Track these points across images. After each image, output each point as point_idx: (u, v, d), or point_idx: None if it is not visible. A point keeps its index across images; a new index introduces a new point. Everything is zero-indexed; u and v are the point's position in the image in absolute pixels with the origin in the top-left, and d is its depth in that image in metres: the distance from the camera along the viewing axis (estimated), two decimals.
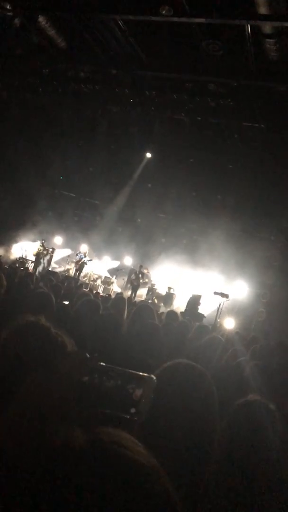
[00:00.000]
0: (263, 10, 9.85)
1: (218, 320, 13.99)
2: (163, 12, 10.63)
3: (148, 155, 19.62)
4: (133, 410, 1.15)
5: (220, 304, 14.17)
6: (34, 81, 16.90)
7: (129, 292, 18.50)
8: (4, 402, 1.14)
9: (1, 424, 1.08)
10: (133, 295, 18.13)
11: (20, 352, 1.57)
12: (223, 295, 14.01)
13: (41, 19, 13.26)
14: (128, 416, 1.14)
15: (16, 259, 19.17)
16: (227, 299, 14.19)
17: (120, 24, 12.56)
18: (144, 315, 4.30)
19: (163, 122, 16.39)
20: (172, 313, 6.34)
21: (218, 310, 14.30)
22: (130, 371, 1.21)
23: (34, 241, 20.65)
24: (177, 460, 1.51)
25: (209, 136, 16.24)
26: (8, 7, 13.01)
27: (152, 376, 1.21)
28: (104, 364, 1.21)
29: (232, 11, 10.27)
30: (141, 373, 1.21)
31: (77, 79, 15.91)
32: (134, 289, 18.44)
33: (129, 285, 19.54)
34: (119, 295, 8.57)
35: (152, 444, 0.77)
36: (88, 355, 1.19)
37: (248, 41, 11.11)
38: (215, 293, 14.18)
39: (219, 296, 14.08)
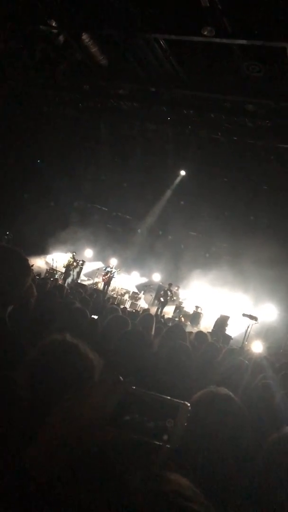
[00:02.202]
0: None
1: (246, 343, 13.72)
2: (205, 33, 10.69)
3: (182, 172, 19.64)
4: (165, 437, 1.12)
5: (248, 327, 13.91)
6: (74, 96, 17.24)
7: (156, 309, 18.42)
8: (35, 429, 1.11)
9: (33, 454, 1.05)
10: (160, 311, 18.04)
11: (49, 374, 1.54)
12: (252, 317, 13.76)
13: (84, 36, 13.55)
14: (160, 443, 1.11)
15: (47, 269, 19.40)
16: (256, 322, 13.93)
17: (162, 43, 12.70)
18: (175, 336, 4.24)
19: (199, 141, 16.40)
20: (202, 334, 6.24)
21: (246, 333, 14.03)
22: (165, 397, 1.17)
23: (65, 252, 20.89)
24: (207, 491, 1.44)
25: (244, 156, 16.15)
26: (53, 24, 13.36)
27: (187, 403, 1.17)
28: (138, 388, 1.17)
29: (274, 33, 10.25)
30: (175, 400, 1.17)
31: (116, 96, 16.14)
32: (162, 306, 18.35)
33: (156, 302, 19.46)
34: (147, 312, 8.52)
35: (183, 472, 0.73)
36: (121, 378, 1.15)
37: None
38: (244, 315, 13.94)
39: (247, 318, 13.83)
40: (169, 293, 18.51)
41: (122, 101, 16.24)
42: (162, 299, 18.39)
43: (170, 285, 18.97)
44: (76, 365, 1.55)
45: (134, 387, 1.17)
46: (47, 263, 20.91)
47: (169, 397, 1.17)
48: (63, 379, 1.47)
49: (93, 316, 5.72)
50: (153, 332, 6.03)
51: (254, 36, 10.58)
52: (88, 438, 1.05)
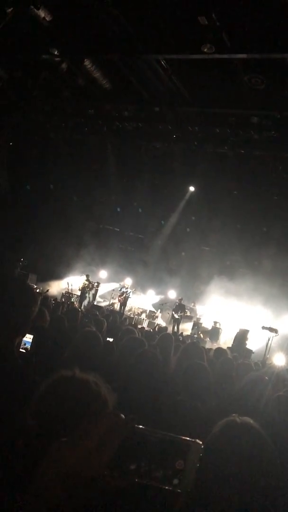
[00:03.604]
0: None
1: (268, 356, 13.47)
2: (205, 50, 10.80)
3: (192, 188, 19.66)
4: (176, 481, 1.01)
5: (268, 339, 13.67)
6: (79, 121, 17.48)
7: (174, 326, 18.27)
8: (35, 469, 1.04)
9: (29, 496, 0.98)
10: (178, 329, 17.87)
11: (57, 414, 1.48)
12: (272, 329, 13.52)
13: (86, 62, 13.79)
14: (170, 488, 1.00)
15: (63, 293, 19.43)
16: (276, 334, 13.68)
17: (163, 63, 12.86)
18: (192, 354, 4.16)
19: (206, 156, 16.44)
20: (221, 350, 6.13)
21: (267, 346, 13.78)
22: (173, 435, 1.07)
23: (80, 275, 20.93)
24: None
25: (252, 168, 16.13)
26: (56, 53, 13.63)
27: (198, 441, 1.06)
28: (142, 427, 1.08)
29: (273, 45, 10.31)
30: (185, 438, 1.07)
31: (121, 118, 16.33)
32: (177, 323, 18.20)
33: (173, 319, 19.33)
34: (164, 332, 8.43)
35: None
36: (123, 417, 1.06)
37: None
38: (263, 327, 13.71)
39: (267, 331, 13.60)
40: (185, 309, 18.37)
41: (127, 123, 16.42)
42: (176, 316, 18.24)
43: (181, 299, 18.82)
44: (87, 403, 1.47)
45: (138, 426, 1.08)
46: (62, 286, 20.97)
47: (178, 436, 1.07)
48: (72, 418, 1.40)
49: (108, 338, 5.67)
50: (172, 351, 5.95)
51: (253, 50, 10.66)
52: (81, 489, 0.96)
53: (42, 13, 11.87)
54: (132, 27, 11.83)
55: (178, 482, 0.98)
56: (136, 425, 1.06)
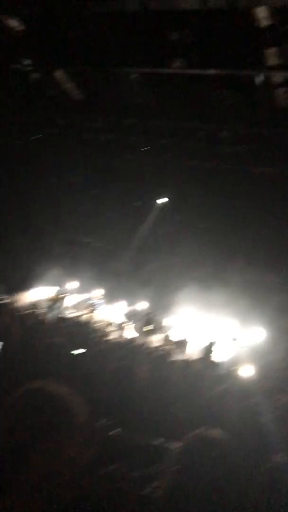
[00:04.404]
0: (272, 61, 10.14)
1: (235, 367, 13.60)
2: (175, 65, 10.98)
3: (163, 200, 19.81)
4: (154, 484, 1.01)
5: (236, 351, 13.84)
6: (50, 131, 17.42)
7: (142, 338, 18.21)
8: (7, 481, 1.02)
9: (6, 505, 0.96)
10: (146, 341, 17.83)
11: (27, 425, 1.44)
12: (239, 341, 13.71)
13: (58, 73, 13.79)
14: (145, 493, 1.01)
15: (30, 305, 19.12)
16: (244, 346, 13.88)
17: (134, 76, 12.99)
18: (160, 367, 4.16)
19: (178, 169, 16.63)
20: (188, 364, 6.15)
21: (234, 357, 13.94)
22: (150, 441, 1.07)
23: (48, 286, 20.65)
24: None
25: (223, 181, 16.40)
26: (27, 63, 13.57)
27: (172, 447, 1.07)
28: (118, 435, 1.08)
29: (243, 62, 10.59)
30: (162, 444, 1.07)
31: (92, 129, 16.36)
32: (148, 335, 18.17)
33: (142, 331, 19.27)
34: (133, 343, 8.41)
35: None
36: (99, 425, 1.07)
37: (259, 90, 11.38)
38: (231, 339, 13.89)
39: (235, 343, 13.78)
40: (154, 321, 18.38)
41: (98, 134, 16.46)
42: (147, 329, 18.23)
43: (154, 312, 18.86)
44: (57, 414, 1.44)
45: (115, 434, 1.08)
46: (30, 298, 20.63)
47: (154, 442, 1.08)
48: (43, 430, 1.38)
49: (77, 351, 5.60)
50: (139, 364, 5.94)
51: (223, 66, 10.91)
52: (62, 493, 0.97)
53: (13, 23, 11.84)
54: (104, 40, 11.93)
55: (154, 487, 0.98)
56: (111, 433, 1.07)
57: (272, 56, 9.99)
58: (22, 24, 11.86)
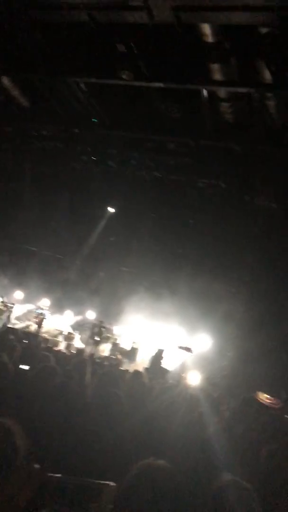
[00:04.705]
0: (217, 76, 10.43)
1: (183, 375, 13.79)
2: (123, 76, 11.06)
3: (111, 209, 19.86)
4: None
5: (184, 359, 14.03)
6: None
7: (92, 348, 18.10)
8: None
9: None
10: (96, 351, 17.75)
11: None
12: (187, 349, 13.91)
13: (4, 79, 13.55)
14: None
15: None
16: (191, 353, 14.09)
17: (82, 86, 12.98)
18: (107, 384, 4.15)
19: (125, 179, 16.72)
20: (137, 374, 6.18)
21: (182, 365, 14.12)
22: (86, 480, 1.08)
23: None
24: None
25: (169, 192, 16.65)
26: None
27: (112, 484, 1.09)
28: (56, 475, 1.08)
29: (189, 76, 10.82)
30: (98, 482, 1.08)
31: (40, 137, 16.16)
32: (97, 345, 18.09)
33: (91, 341, 19.13)
34: (81, 355, 8.34)
35: None
36: (36, 467, 1.06)
37: (205, 104, 11.66)
38: (179, 347, 14.07)
39: (183, 350, 13.96)
40: (102, 329, 18.32)
41: (45, 142, 16.28)
42: (96, 338, 18.14)
43: (101, 322, 18.81)
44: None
45: (51, 474, 1.07)
46: None
47: (91, 480, 1.09)
48: None
49: (22, 366, 5.48)
50: (88, 377, 5.89)
51: (170, 79, 11.10)
52: None
53: None
54: (52, 49, 11.86)
55: None
56: (48, 474, 1.06)
57: (216, 71, 10.28)
58: None
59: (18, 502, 0.97)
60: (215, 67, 10.15)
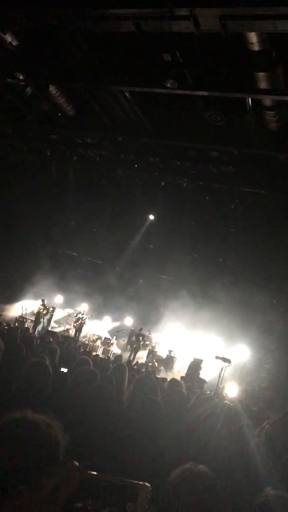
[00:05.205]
0: (263, 85, 10.33)
1: (221, 386, 13.57)
2: (168, 85, 11.13)
3: (151, 217, 19.93)
4: None
5: (222, 369, 13.80)
6: (42, 145, 17.49)
7: (129, 354, 18.15)
8: None
9: None
10: (133, 357, 17.78)
11: (8, 456, 1.43)
12: (225, 359, 13.67)
13: (52, 88, 13.90)
14: None
15: (16, 318, 18.98)
16: (229, 364, 13.84)
17: (127, 94, 13.15)
18: (145, 389, 4.15)
19: (166, 187, 16.78)
20: (175, 382, 6.15)
21: (220, 375, 13.90)
22: (123, 479, 1.09)
23: (35, 299, 20.54)
24: None
25: (210, 200, 16.58)
26: (21, 77, 13.67)
27: (147, 484, 1.08)
28: (94, 473, 1.09)
29: (234, 85, 10.77)
30: (135, 482, 1.08)
31: (84, 145, 16.46)
32: (134, 351, 18.11)
33: (129, 347, 19.20)
34: (119, 361, 8.36)
35: None
36: (77, 464, 1.08)
37: (249, 113, 11.57)
38: (217, 357, 13.85)
39: (220, 361, 13.74)
40: (141, 338, 18.34)
41: (90, 149, 16.56)
42: (134, 345, 18.18)
43: (141, 329, 18.84)
44: (38, 445, 1.43)
45: (90, 472, 1.09)
46: (16, 311, 20.48)
47: (128, 480, 1.10)
48: (24, 461, 1.37)
49: (62, 369, 5.57)
50: (126, 382, 5.91)
51: (214, 88, 11.08)
52: None
53: (9, 38, 11.96)
54: (98, 58, 12.08)
55: None
56: (88, 472, 1.07)
57: (262, 79, 10.18)
58: (16, 40, 11.98)
59: (59, 496, 0.99)
60: (261, 75, 10.05)
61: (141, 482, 1.08)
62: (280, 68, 9.86)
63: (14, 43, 12.09)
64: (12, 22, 11.38)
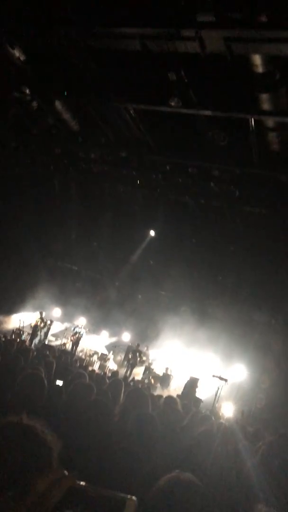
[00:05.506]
0: (266, 106, 10.46)
1: (217, 405, 13.47)
2: (172, 103, 11.27)
3: (152, 233, 20.00)
4: None
5: (218, 388, 13.71)
6: (45, 158, 17.62)
7: (126, 370, 18.05)
8: None
9: None
10: (129, 373, 17.67)
11: (3, 459, 1.44)
12: (222, 378, 13.59)
13: (57, 103, 14.07)
14: None
15: (13, 330, 18.91)
16: (226, 383, 13.76)
17: (131, 111, 13.30)
18: (137, 403, 4.13)
19: (167, 203, 16.86)
20: (171, 400, 6.10)
21: (216, 394, 13.80)
22: (111, 491, 1.10)
23: (33, 312, 20.49)
24: None
25: (211, 218, 16.64)
26: (27, 91, 13.85)
27: (134, 498, 1.09)
28: (82, 483, 1.10)
29: (237, 105, 10.91)
30: (122, 494, 1.10)
31: (87, 160, 16.59)
32: (131, 368, 18.01)
33: (125, 363, 19.10)
34: (116, 376, 8.32)
35: None
36: (66, 473, 1.09)
37: (252, 133, 11.69)
38: (213, 376, 13.78)
39: (217, 380, 13.66)
40: (138, 354, 18.25)
41: (92, 164, 16.68)
42: (131, 361, 18.08)
43: (138, 345, 18.75)
44: (32, 450, 1.45)
45: (79, 482, 1.10)
46: (14, 323, 20.41)
47: (115, 492, 1.10)
48: (18, 465, 1.38)
49: (57, 382, 5.54)
50: (122, 398, 5.87)
51: (218, 108, 11.22)
52: None
53: (17, 53, 12.14)
54: (104, 75, 12.25)
55: None
56: (77, 481, 1.08)
57: (265, 101, 10.32)
58: (24, 55, 12.16)
59: (47, 503, 1.00)
60: (264, 96, 10.19)
61: (128, 496, 1.09)
62: (283, 90, 10.00)
63: (22, 58, 12.27)
64: (20, 38, 11.56)
